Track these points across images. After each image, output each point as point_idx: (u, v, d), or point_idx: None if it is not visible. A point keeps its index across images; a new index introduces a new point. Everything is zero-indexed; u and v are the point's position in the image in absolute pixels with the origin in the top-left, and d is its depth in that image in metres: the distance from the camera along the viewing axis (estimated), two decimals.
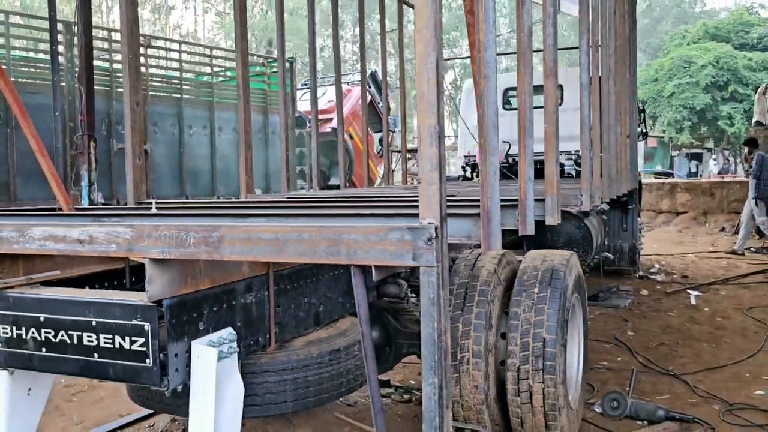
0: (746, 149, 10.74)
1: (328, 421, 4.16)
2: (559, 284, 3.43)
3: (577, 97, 6.42)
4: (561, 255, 3.67)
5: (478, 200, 2.36)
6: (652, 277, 8.60)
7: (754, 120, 14.37)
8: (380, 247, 1.69)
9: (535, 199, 2.89)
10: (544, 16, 3.13)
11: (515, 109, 9.22)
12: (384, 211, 2.51)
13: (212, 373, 2.11)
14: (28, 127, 3.32)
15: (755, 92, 15.51)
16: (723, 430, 3.89)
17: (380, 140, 12.30)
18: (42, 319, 2.23)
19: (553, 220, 2.92)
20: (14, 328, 2.29)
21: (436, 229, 1.63)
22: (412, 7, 8.77)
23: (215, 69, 9.95)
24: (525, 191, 2.50)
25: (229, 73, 10.19)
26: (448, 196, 2.03)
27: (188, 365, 2.14)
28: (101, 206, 4.66)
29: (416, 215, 1.77)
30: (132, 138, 4.02)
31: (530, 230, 2.52)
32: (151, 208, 2.94)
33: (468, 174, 8.83)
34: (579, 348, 4.04)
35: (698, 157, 34.74)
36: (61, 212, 3.44)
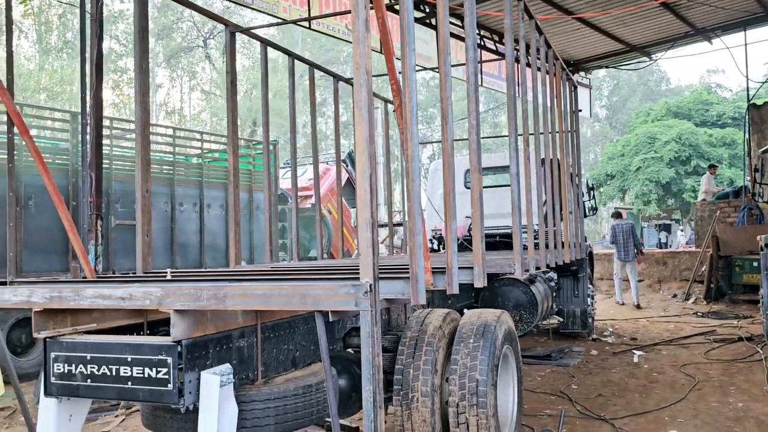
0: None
1: None
2: (489, 336, 4.27)
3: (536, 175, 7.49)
4: (493, 313, 4.53)
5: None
6: (604, 339, 9.42)
7: (699, 198, 15.69)
8: (334, 298, 2.53)
9: (464, 268, 3.74)
10: (468, 117, 4.06)
11: (484, 187, 10.23)
12: (341, 276, 3.34)
13: (216, 395, 2.89)
14: (61, 208, 4.13)
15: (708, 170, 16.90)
16: None
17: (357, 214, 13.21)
18: (88, 357, 3.02)
19: (479, 283, 3.75)
20: (66, 365, 3.07)
21: (370, 285, 2.46)
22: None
23: (204, 149, 10.90)
24: (450, 260, 3.35)
25: (216, 155, 11.15)
26: (401, 265, 2.80)
27: (198, 390, 2.92)
28: (117, 275, 5.44)
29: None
30: (142, 218, 4.86)
31: (455, 290, 3.34)
32: (166, 275, 3.76)
33: (435, 246, 9.70)
34: (513, 391, 4.83)
35: (667, 228, 36.04)
36: (87, 279, 4.22)
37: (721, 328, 9.76)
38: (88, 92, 6.75)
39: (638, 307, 12.56)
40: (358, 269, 2.63)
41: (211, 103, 41.05)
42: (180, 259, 9.52)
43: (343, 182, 9.42)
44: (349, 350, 4.56)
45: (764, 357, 7.59)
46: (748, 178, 14.20)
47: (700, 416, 5.66)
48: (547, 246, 6.08)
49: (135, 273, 4.97)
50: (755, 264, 11.25)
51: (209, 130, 34.00)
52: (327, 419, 5.44)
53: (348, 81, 8.23)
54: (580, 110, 10.30)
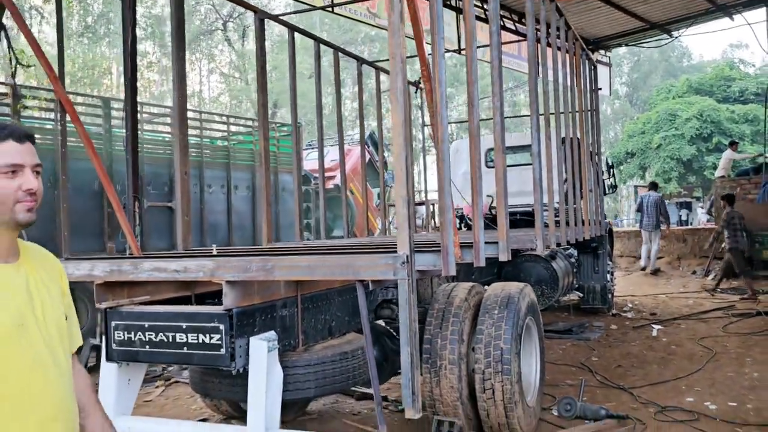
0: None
1: (337, 428, 5.15)
2: (513, 307, 4.51)
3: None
4: (516, 286, 4.77)
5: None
6: (624, 314, 9.62)
7: (717, 174, 15.80)
8: (375, 268, 2.77)
9: (490, 242, 3.97)
10: (492, 98, 4.26)
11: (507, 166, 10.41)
12: (375, 251, 3.59)
13: (264, 358, 3.16)
14: (110, 190, 4.42)
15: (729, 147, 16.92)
16: (652, 425, 4.90)
17: (379, 195, 13.44)
18: (146, 325, 3.30)
19: (504, 257, 3.97)
20: (125, 332, 3.36)
21: (407, 257, 2.70)
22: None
23: (230, 132, 11.18)
24: (477, 235, 3.58)
25: (241, 137, 11.42)
26: (429, 241, 3.00)
27: (247, 354, 3.20)
28: (166, 252, 5.71)
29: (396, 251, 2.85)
30: (181, 200, 5.14)
31: (482, 263, 3.57)
32: (212, 251, 4.03)
33: (457, 224, 9.92)
34: (536, 361, 5.08)
35: (688, 206, 35.89)
36: (134, 256, 4.50)
37: (740, 303, 9.90)
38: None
39: (654, 273, 13.10)
40: (388, 245, 2.87)
41: (231, 86, 41.32)
42: (209, 239, 9.83)
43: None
44: (380, 322, 4.82)
45: None
46: None
47: (716, 385, 5.87)
48: (567, 223, 6.29)
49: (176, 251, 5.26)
50: None
51: (229, 112, 34.34)
52: (355, 388, 5.74)
53: (371, 64, 8.43)
54: (600, 89, 10.40)
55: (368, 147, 14.48)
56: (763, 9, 13.72)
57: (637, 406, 5.39)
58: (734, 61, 43.36)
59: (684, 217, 34.00)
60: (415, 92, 10.45)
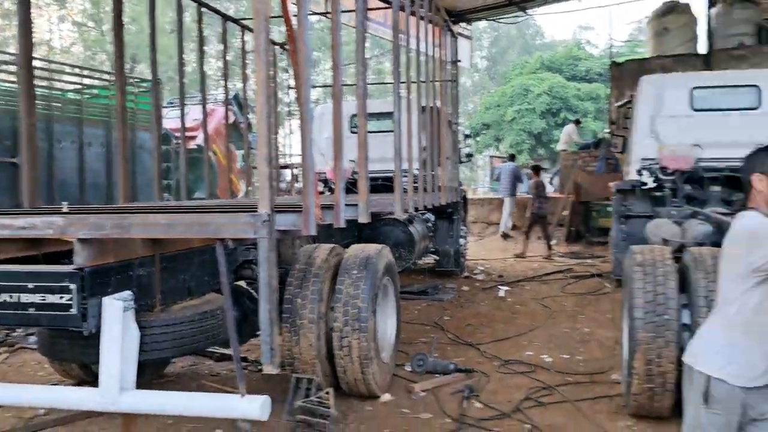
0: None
1: (196, 389, 5.12)
2: (371, 267, 4.68)
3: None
4: (375, 247, 4.94)
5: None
6: (475, 276, 10.19)
7: (559, 147, 17.11)
8: (235, 226, 2.79)
9: (350, 205, 4.09)
10: (357, 64, 4.34)
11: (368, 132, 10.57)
12: (237, 210, 3.60)
13: (118, 318, 3.08)
14: None
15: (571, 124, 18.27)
16: (495, 377, 5.31)
17: (243, 157, 13.20)
18: None
19: (363, 219, 4.12)
20: None
21: (267, 215, 2.74)
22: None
23: (83, 84, 10.48)
24: (338, 197, 3.68)
25: (96, 91, 10.75)
26: (291, 203, 3.04)
27: (100, 315, 3.11)
28: (11, 209, 5.31)
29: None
30: (28, 153, 4.82)
31: (342, 224, 3.68)
32: (62, 209, 3.83)
33: (320, 189, 10.01)
34: (393, 319, 5.31)
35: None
36: None
37: (577, 267, 10.80)
38: None
39: (504, 236, 14.34)
40: (250, 206, 2.90)
41: (84, 36, 38.43)
42: (59, 197, 9.25)
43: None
44: (240, 283, 4.83)
45: (610, 290, 8.57)
46: (607, 129, 15.47)
47: (552, 340, 6.43)
48: (425, 189, 6.56)
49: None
50: (609, 209, 12.41)
51: (82, 64, 31.97)
52: (214, 349, 5.72)
53: (236, 21, 8.22)
54: (460, 61, 10.79)
55: (232, 107, 14.13)
56: None
57: (483, 360, 5.81)
58: (582, 42, 46.25)
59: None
60: (282, 54, 10.32)
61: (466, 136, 11.18)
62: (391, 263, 5.15)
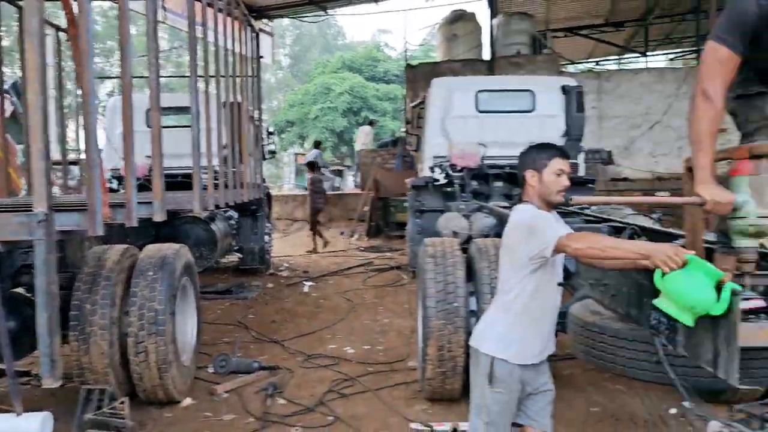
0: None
1: None
2: (168, 268, 4.48)
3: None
4: (172, 247, 4.74)
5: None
6: (280, 273, 10.17)
7: (357, 148, 17.86)
8: (7, 227, 2.53)
9: (144, 202, 3.87)
10: (149, 55, 4.12)
11: (164, 126, 10.05)
12: (12, 209, 3.26)
13: None
14: None
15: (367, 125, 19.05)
16: (299, 372, 5.35)
17: (23, 152, 11.96)
18: None
19: (159, 217, 3.92)
20: None
21: (45, 215, 2.52)
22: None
23: None
24: (130, 194, 3.47)
25: None
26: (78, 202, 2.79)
27: None
28: None
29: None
30: None
31: (134, 223, 3.47)
32: None
33: (115, 186, 9.37)
34: (193, 320, 5.14)
35: (340, 173, 38.72)
36: None
37: (377, 260, 11.21)
38: None
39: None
40: (26, 206, 2.64)
41: None
42: None
43: (7, 114, 8.51)
44: (19, 290, 4.38)
45: (407, 281, 9.01)
46: (404, 129, 16.22)
47: (354, 332, 6.63)
48: (226, 186, 6.41)
49: None
50: (406, 204, 13.03)
51: None
52: None
53: (12, 3, 7.42)
54: (262, 56, 10.68)
55: (10, 96, 12.73)
56: None
57: (287, 356, 5.83)
58: (381, 44, 47.98)
59: (336, 184, 36.73)
60: (67, 40, 9.49)
61: (270, 133, 11.11)
62: (190, 263, 4.98)
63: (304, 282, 9.30)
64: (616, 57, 25.49)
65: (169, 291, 4.39)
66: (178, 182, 8.31)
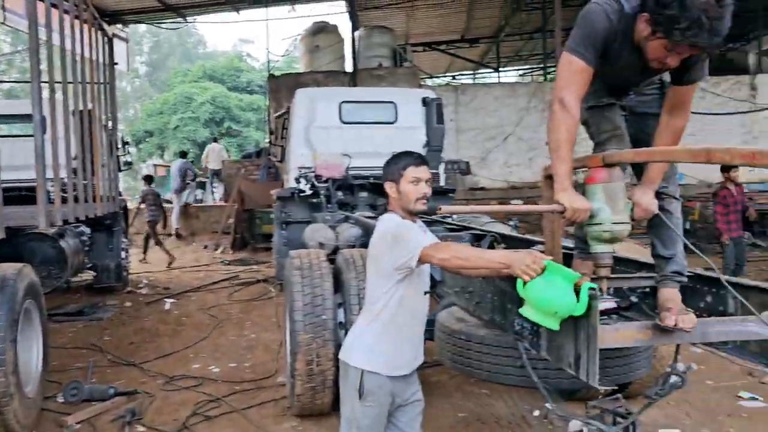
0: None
1: None
2: (8, 291, 4.11)
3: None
4: (13, 267, 4.35)
5: None
6: (139, 290, 9.64)
7: (211, 166, 17.77)
8: None
9: None
10: None
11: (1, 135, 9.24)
12: None
13: None
14: None
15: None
16: (160, 395, 5.07)
17: None
18: None
19: None
20: None
21: None
22: None
23: None
24: None
25: None
26: None
27: None
28: None
29: None
30: None
31: None
32: None
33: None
34: (38, 346, 4.72)
35: (202, 186, 37.61)
36: None
37: (243, 273, 10.93)
38: None
39: (178, 235, 14.54)
40: None
41: None
42: None
43: None
44: None
45: (275, 294, 8.85)
46: (267, 139, 16.02)
47: (219, 349, 6.40)
48: (77, 199, 5.99)
49: None
50: (271, 216, 12.84)
51: None
52: None
53: None
54: (117, 63, 10.13)
55: None
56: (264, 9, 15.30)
57: (147, 379, 5.51)
58: (243, 54, 47.21)
59: (199, 196, 35.63)
60: None
61: (125, 143, 10.54)
62: (34, 283, 4.58)
63: (165, 299, 8.87)
64: (472, 72, 26.76)
65: (9, 316, 4.01)
66: (22, 196, 7.68)
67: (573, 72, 2.26)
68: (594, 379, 2.14)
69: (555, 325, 2.31)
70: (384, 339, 2.67)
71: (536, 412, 4.46)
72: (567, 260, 2.83)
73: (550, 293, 2.20)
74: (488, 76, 26.76)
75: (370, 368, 2.66)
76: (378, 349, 2.67)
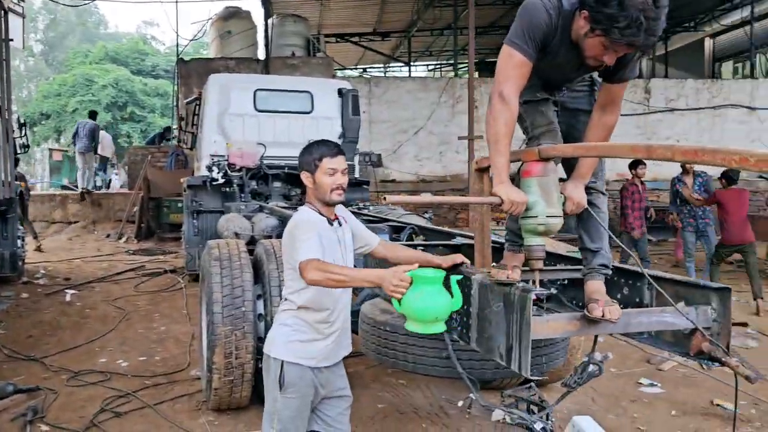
0: None
1: None
2: None
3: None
4: None
5: None
6: (37, 281, 9.13)
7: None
8: None
9: None
10: None
11: None
12: None
13: None
14: None
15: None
16: (64, 392, 4.82)
17: None
18: None
19: None
20: None
21: None
22: None
23: None
24: None
25: None
26: None
27: None
28: None
29: None
30: None
31: None
32: None
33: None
34: None
35: (104, 171, 36.03)
36: None
37: (149, 264, 10.56)
38: None
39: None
40: None
41: None
42: None
43: None
44: None
45: (184, 285, 8.61)
46: (175, 126, 15.51)
47: (127, 343, 6.16)
48: None
49: None
50: (179, 205, 12.46)
51: None
52: None
53: None
54: (12, 39, 9.50)
55: None
56: None
57: (49, 375, 5.23)
58: (147, 37, 45.47)
59: (99, 183, 34.09)
60: None
61: (22, 125, 9.93)
62: None
63: (66, 290, 8.45)
64: (382, 65, 26.92)
65: None
66: None
67: (513, 65, 2.30)
68: (526, 369, 2.20)
69: (442, 328, 2.37)
70: (303, 329, 2.64)
71: (460, 402, 4.56)
72: (495, 254, 2.92)
73: (424, 303, 2.26)
74: (399, 71, 27.01)
75: (290, 359, 2.62)
76: (297, 340, 2.64)
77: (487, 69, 22.44)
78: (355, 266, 2.82)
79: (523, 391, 3.65)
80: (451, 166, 15.63)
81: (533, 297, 2.20)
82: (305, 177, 2.65)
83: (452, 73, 20.45)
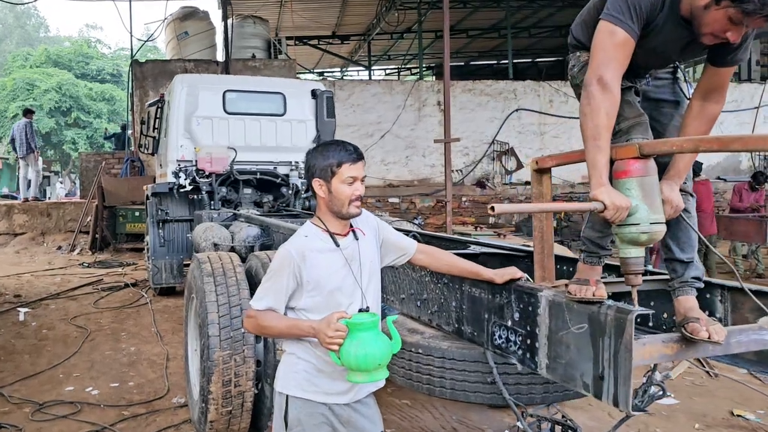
0: None
1: None
2: None
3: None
4: None
5: None
6: None
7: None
8: None
9: None
10: None
11: None
12: None
13: None
14: None
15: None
16: (30, 428, 4.25)
17: None
18: None
19: None
20: None
21: None
22: None
23: None
24: None
25: None
26: None
27: None
28: None
29: None
30: None
31: None
32: None
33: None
34: None
35: (48, 180, 34.80)
36: None
37: (107, 277, 9.89)
38: None
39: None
40: None
41: None
42: None
43: None
44: None
45: (150, 300, 8.02)
46: (130, 131, 14.78)
47: (95, 367, 5.58)
48: None
49: None
50: (137, 213, 11.82)
51: None
52: None
53: None
54: None
55: None
56: None
57: (10, 407, 4.64)
58: (91, 41, 43.94)
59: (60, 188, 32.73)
60: None
61: None
62: None
63: (18, 308, 7.76)
64: (340, 69, 26.54)
65: None
66: None
67: (615, 45, 1.93)
68: (626, 403, 1.85)
69: (384, 374, 2.17)
70: (312, 362, 2.23)
71: (470, 420, 4.20)
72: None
73: (364, 350, 2.06)
74: (356, 75, 26.64)
75: (295, 393, 2.23)
76: (303, 370, 2.23)
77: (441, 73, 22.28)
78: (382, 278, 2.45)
79: (544, 411, 3.32)
80: (418, 170, 15.34)
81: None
82: (318, 185, 2.23)
83: (413, 77, 20.20)
